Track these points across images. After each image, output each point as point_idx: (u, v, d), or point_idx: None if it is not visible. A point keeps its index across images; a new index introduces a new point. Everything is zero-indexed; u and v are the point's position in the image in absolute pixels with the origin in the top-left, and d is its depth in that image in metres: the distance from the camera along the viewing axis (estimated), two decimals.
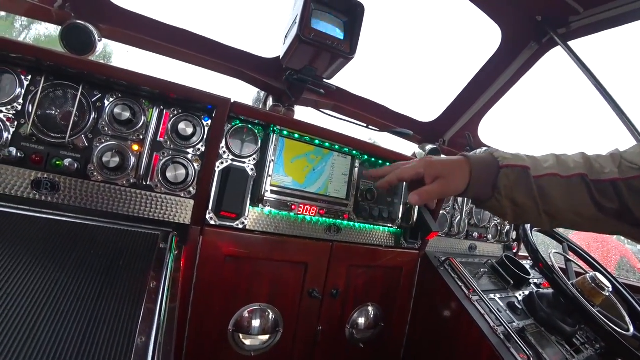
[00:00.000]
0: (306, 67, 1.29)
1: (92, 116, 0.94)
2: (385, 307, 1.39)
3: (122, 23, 1.39)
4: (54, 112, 0.92)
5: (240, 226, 1.07)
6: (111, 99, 0.96)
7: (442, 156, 0.81)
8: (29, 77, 0.91)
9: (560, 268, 1.38)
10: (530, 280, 1.63)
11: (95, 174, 0.93)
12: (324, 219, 1.19)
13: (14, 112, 0.89)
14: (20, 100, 0.89)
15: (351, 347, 1.33)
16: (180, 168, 0.99)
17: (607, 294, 1.36)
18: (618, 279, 1.61)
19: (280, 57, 1.30)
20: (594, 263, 1.63)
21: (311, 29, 1.14)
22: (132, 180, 0.95)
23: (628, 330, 1.30)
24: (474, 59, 2.00)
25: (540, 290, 1.56)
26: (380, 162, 1.32)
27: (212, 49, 1.51)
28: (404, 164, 0.80)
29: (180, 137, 1.00)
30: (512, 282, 1.54)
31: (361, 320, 1.34)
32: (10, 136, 0.88)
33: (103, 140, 0.95)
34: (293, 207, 1.13)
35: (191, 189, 1.01)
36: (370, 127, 1.80)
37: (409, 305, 1.44)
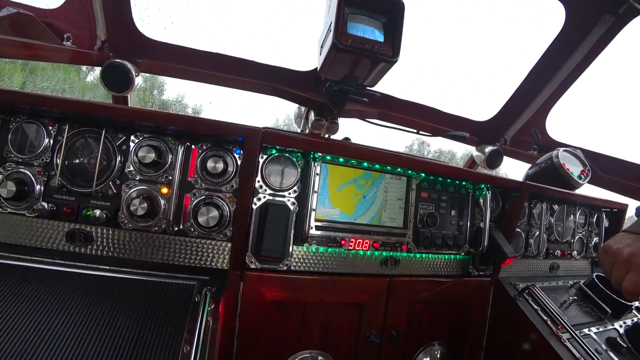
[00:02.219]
0: (346, 77, 1.18)
1: (118, 160, 0.89)
2: (454, 346, 1.21)
3: (157, 55, 1.44)
4: (81, 160, 0.88)
5: (284, 268, 0.96)
6: (136, 140, 0.90)
7: (626, 243, 0.79)
8: (56, 127, 0.88)
9: None
10: (633, 305, 1.35)
11: (126, 221, 0.87)
12: (379, 252, 1.04)
13: (44, 164, 0.87)
14: (49, 153, 0.87)
15: None
16: (213, 210, 0.89)
17: None
18: None
19: (318, 68, 1.19)
20: None
21: (347, 35, 1.04)
22: (163, 226, 0.88)
23: None
24: (535, 45, 1.76)
25: None
26: (440, 179, 1.14)
27: (247, 69, 1.50)
28: (608, 268, 0.79)
29: (210, 174, 0.91)
30: (609, 312, 1.28)
31: None
32: (42, 189, 0.86)
33: (131, 185, 0.89)
34: (343, 242, 1.00)
35: (227, 230, 0.91)
36: (421, 132, 1.63)
37: (481, 342, 1.24)
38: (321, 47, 1.18)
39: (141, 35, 1.36)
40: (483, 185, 1.18)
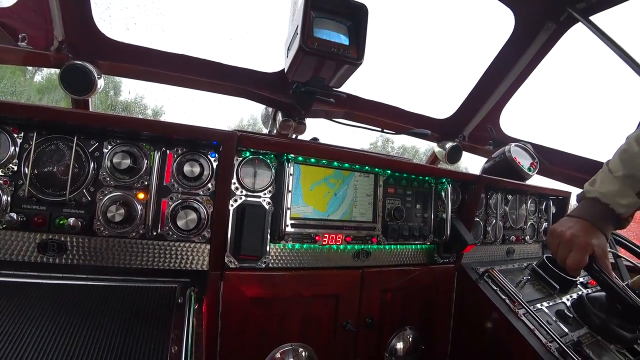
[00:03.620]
0: (313, 78, 1.22)
1: (92, 167, 0.88)
2: (424, 329, 1.29)
3: (121, 57, 1.38)
4: (51, 169, 0.86)
5: (263, 265, 1.00)
6: (109, 147, 0.89)
7: (568, 225, 0.91)
8: (22, 135, 0.85)
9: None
10: (578, 281, 1.51)
11: (102, 229, 0.86)
12: (351, 245, 1.10)
13: (10, 173, 0.84)
14: (15, 160, 0.84)
15: None
16: (191, 213, 0.91)
17: None
18: None
19: (285, 70, 1.23)
20: None
21: (314, 39, 1.08)
22: (141, 231, 0.89)
23: None
24: (488, 48, 1.90)
25: (590, 291, 1.43)
26: (405, 175, 1.22)
27: (214, 71, 1.48)
28: (554, 248, 0.91)
29: (187, 178, 0.93)
30: (557, 288, 1.42)
31: (400, 346, 1.25)
32: (9, 199, 0.83)
33: (106, 192, 0.88)
34: (317, 238, 1.05)
35: (205, 232, 0.93)
36: (385, 130, 1.71)
37: (448, 323, 1.34)
38: (288, 49, 1.21)
39: (102, 36, 1.31)
40: (444, 180, 1.28)
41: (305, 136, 1.66)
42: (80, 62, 1.26)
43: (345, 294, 1.11)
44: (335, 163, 1.09)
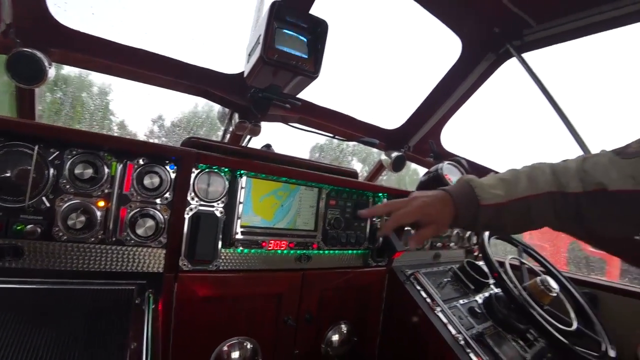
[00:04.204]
0: (271, 86, 1.28)
1: (52, 174, 0.90)
2: (357, 323, 1.47)
3: (75, 46, 1.30)
4: (9, 175, 0.86)
5: (214, 268, 1.10)
6: (70, 155, 0.92)
7: (429, 193, 0.90)
8: None
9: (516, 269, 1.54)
10: (490, 283, 1.77)
11: (61, 234, 0.90)
12: (294, 250, 1.25)
13: None
14: None
15: None
16: (149, 220, 0.99)
17: (555, 294, 1.50)
18: (564, 274, 1.77)
19: (245, 75, 1.29)
20: (545, 262, 1.78)
21: (275, 50, 1.14)
22: (100, 237, 0.95)
23: (571, 325, 1.45)
24: (437, 68, 2.09)
25: (498, 292, 1.70)
26: (347, 189, 1.39)
27: (173, 68, 1.46)
28: (397, 205, 0.90)
29: (146, 188, 1.00)
30: (472, 287, 1.67)
31: (335, 338, 1.42)
32: None
33: (66, 199, 0.91)
34: (264, 244, 1.18)
35: (162, 238, 1.02)
36: (337, 137, 1.85)
37: (378, 318, 1.54)
38: (249, 55, 1.26)
39: (56, 23, 1.24)
40: (381, 194, 1.47)
41: (260, 138, 1.72)
42: (30, 50, 1.18)
43: (288, 293, 1.25)
44: (284, 177, 1.23)
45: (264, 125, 1.68)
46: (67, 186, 0.92)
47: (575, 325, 1.46)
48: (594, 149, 1.62)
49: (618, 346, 1.41)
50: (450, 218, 0.88)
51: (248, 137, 1.75)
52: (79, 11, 1.48)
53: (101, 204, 0.95)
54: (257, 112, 1.47)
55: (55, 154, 0.91)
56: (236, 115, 1.62)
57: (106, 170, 0.96)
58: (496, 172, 2.17)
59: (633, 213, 0.76)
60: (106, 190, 0.96)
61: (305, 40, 1.22)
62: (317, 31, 1.22)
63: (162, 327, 0.96)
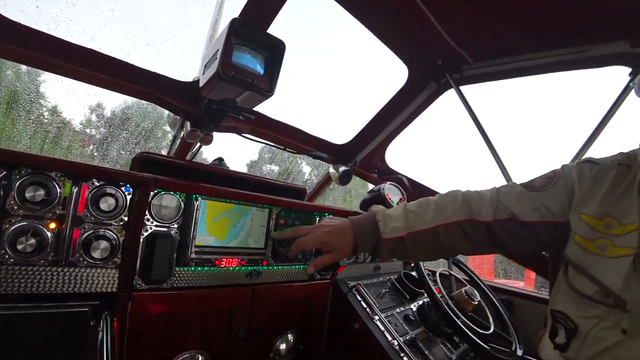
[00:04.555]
0: (226, 99, 1.33)
1: None
2: (303, 333, 1.58)
3: (14, 39, 1.23)
4: None
5: (168, 286, 1.15)
6: (18, 177, 0.89)
7: (333, 223, 1.01)
8: None
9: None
10: (423, 292, 1.97)
11: (7, 257, 0.87)
12: (245, 267, 1.33)
13: None
14: None
15: None
16: (103, 242, 0.99)
17: (477, 302, 1.73)
18: (486, 282, 2.03)
19: (200, 85, 1.31)
20: (470, 273, 2.03)
21: (232, 66, 1.18)
22: (50, 259, 0.93)
23: (489, 329, 1.68)
24: (385, 90, 2.26)
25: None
26: (295, 211, 1.51)
27: (124, 72, 1.44)
28: (302, 232, 1.03)
29: (101, 210, 1.00)
30: (408, 297, 1.86)
31: (283, 347, 1.52)
32: None
33: (14, 221, 0.88)
34: (217, 262, 1.25)
35: (116, 259, 1.03)
36: (288, 149, 1.96)
37: (323, 327, 1.66)
38: (205, 66, 1.29)
39: None
40: (326, 213, 1.61)
41: (211, 148, 1.74)
42: None
43: (239, 307, 1.33)
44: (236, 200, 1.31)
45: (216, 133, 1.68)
46: (15, 208, 0.89)
47: (492, 328, 1.70)
48: (515, 176, 1.91)
49: (527, 345, 1.66)
50: (350, 248, 0.97)
51: (198, 145, 1.75)
52: (21, 2, 1.41)
53: (52, 225, 0.94)
54: (211, 123, 1.51)
55: (2, 174, 0.87)
56: (188, 124, 1.62)
57: (59, 190, 0.94)
58: (435, 192, 2.41)
59: (539, 238, 0.95)
60: (58, 212, 0.95)
61: (262, 58, 1.27)
62: (274, 50, 1.28)
63: (118, 347, 0.98)
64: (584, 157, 1.02)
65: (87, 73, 1.39)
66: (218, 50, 1.19)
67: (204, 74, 1.29)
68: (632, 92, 1.30)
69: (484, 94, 2.14)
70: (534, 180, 1.00)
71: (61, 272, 0.95)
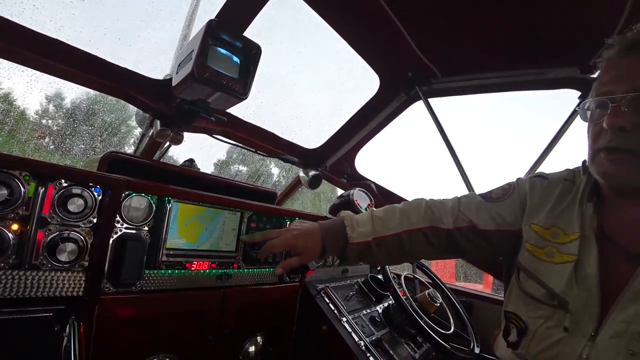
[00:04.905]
0: (199, 100, 1.32)
1: None
2: (272, 335, 1.60)
3: None
4: None
5: (137, 289, 1.13)
6: None
7: (302, 226, 1.05)
8: None
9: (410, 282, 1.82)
10: (389, 294, 2.05)
11: None
12: (215, 270, 1.34)
13: None
14: None
15: None
16: (70, 245, 0.96)
17: (439, 304, 1.83)
18: (448, 285, 2.15)
19: (173, 85, 1.30)
20: (433, 276, 2.13)
21: (206, 68, 1.17)
22: (12, 262, 0.89)
23: (450, 329, 1.78)
24: (356, 97, 2.33)
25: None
26: (266, 215, 1.53)
27: (93, 66, 1.40)
28: (271, 235, 1.08)
29: (68, 211, 0.97)
30: (374, 299, 1.93)
31: (252, 349, 1.53)
32: None
33: None
34: (187, 265, 1.25)
35: (84, 261, 1.00)
36: (259, 152, 1.97)
37: (292, 329, 1.69)
38: (179, 66, 1.27)
39: None
40: (297, 218, 1.64)
41: (179, 146, 1.71)
42: None
43: (209, 310, 1.33)
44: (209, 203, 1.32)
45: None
46: None
47: (453, 328, 1.80)
48: (476, 185, 2.03)
49: (484, 344, 1.77)
50: (318, 251, 1.01)
51: (167, 144, 1.73)
52: None
53: (14, 227, 0.90)
54: (182, 123, 1.49)
55: None
56: (158, 122, 1.59)
57: (22, 190, 0.91)
58: (401, 198, 2.50)
59: (495, 245, 1.03)
60: (21, 213, 0.91)
61: (237, 60, 1.27)
62: (250, 54, 1.28)
63: (84, 352, 0.96)
64: (537, 171, 1.12)
65: (52, 65, 1.33)
66: (193, 50, 1.18)
67: (177, 73, 1.28)
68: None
69: (451, 107, 2.26)
70: (492, 191, 1.09)
71: (23, 275, 0.92)
